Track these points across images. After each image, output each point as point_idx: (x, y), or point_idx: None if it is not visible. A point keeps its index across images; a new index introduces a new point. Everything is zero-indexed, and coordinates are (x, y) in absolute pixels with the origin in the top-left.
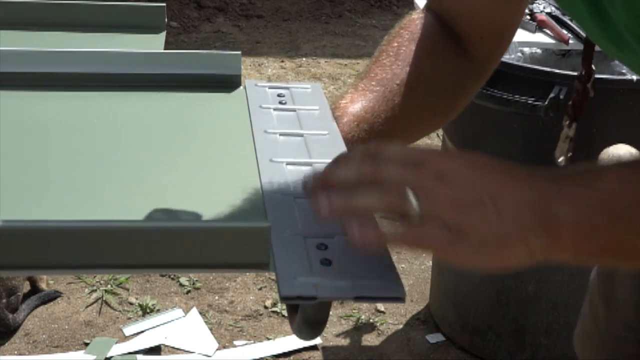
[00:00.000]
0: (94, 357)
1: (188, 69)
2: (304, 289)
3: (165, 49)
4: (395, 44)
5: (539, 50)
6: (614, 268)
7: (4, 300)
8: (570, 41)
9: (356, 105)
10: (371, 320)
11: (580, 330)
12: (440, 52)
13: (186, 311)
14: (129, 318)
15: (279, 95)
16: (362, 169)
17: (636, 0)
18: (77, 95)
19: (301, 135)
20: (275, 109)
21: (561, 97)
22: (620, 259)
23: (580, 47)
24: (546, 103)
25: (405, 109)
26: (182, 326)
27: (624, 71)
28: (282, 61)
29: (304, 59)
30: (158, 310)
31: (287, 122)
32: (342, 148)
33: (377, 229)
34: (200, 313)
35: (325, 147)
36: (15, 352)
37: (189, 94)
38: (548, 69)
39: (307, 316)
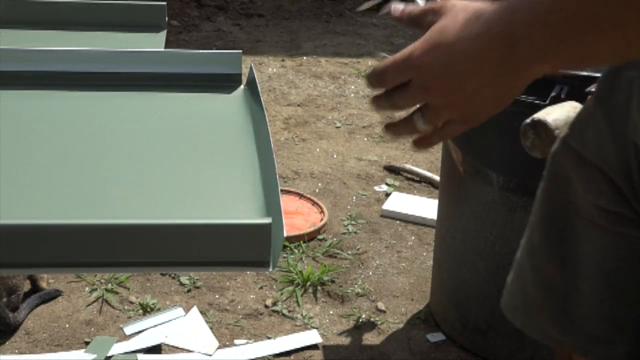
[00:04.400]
0: (95, 356)
1: (189, 68)
2: None
3: (165, 47)
4: None
5: None
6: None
7: (5, 299)
8: None
9: None
10: (372, 319)
11: (528, 302)
12: None
13: (187, 310)
14: (130, 317)
15: None
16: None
17: None
18: (78, 94)
19: None
20: None
21: (562, 96)
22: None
23: None
24: (547, 102)
25: None
26: (182, 325)
27: None
28: (283, 60)
29: (304, 57)
30: (158, 309)
31: None
32: None
33: None
34: (201, 312)
35: None
36: (16, 351)
37: (189, 92)
38: None
39: None
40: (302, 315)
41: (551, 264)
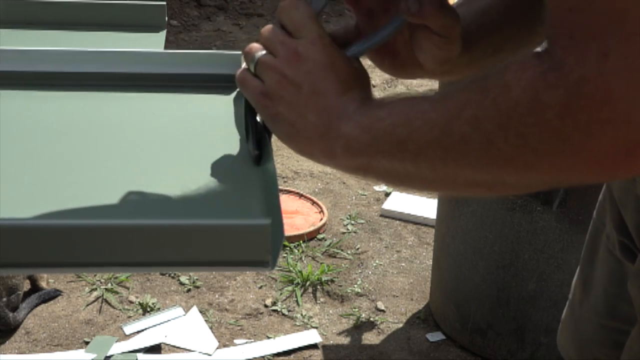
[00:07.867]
0: (94, 355)
1: (188, 68)
2: None
3: (165, 47)
4: None
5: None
6: (594, 251)
7: (5, 299)
8: None
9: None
10: (371, 319)
11: (561, 321)
12: None
13: (186, 310)
14: (129, 317)
15: None
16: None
17: None
18: (77, 95)
19: None
20: None
21: None
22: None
23: None
24: None
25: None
26: (182, 325)
27: None
28: None
29: None
30: (158, 309)
31: None
32: None
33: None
34: (201, 312)
35: None
36: (16, 351)
37: (189, 93)
38: None
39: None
40: (301, 315)
41: (578, 287)
